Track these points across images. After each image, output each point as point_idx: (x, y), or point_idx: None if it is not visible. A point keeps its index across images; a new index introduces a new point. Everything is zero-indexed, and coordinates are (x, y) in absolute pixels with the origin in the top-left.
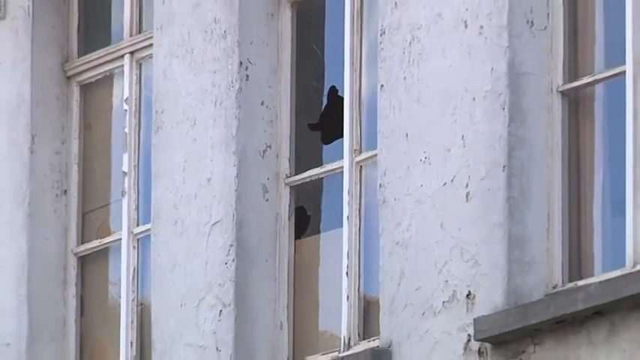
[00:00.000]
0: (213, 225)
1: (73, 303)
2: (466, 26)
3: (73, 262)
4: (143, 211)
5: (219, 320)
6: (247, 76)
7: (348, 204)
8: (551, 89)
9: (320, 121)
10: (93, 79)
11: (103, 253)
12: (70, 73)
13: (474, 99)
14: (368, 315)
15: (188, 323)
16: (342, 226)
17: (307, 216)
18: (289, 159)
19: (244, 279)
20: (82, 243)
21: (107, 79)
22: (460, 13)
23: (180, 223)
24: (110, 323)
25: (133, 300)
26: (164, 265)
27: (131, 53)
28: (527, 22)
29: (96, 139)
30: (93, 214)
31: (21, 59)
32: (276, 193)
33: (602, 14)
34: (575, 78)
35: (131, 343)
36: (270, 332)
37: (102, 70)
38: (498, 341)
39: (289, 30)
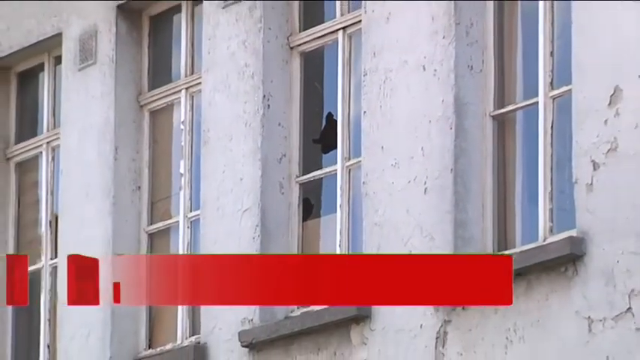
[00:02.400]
0: (244, 211)
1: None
2: (424, 69)
3: (144, 238)
4: (194, 201)
5: None
6: (269, 105)
7: (341, 196)
8: (485, 114)
9: (320, 137)
10: (159, 107)
11: (166, 232)
12: (142, 103)
13: (430, 121)
14: None
15: None
16: (336, 212)
17: (311, 205)
18: (299, 164)
19: (266, 250)
20: (151, 224)
21: (169, 107)
22: (420, 60)
23: (221, 210)
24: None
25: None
26: (209, 240)
27: (186, 88)
28: (468, 66)
29: (161, 149)
30: (159, 203)
31: (107, 93)
32: (289, 188)
33: (522, 61)
34: (502, 106)
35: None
36: None
37: (165, 101)
38: None
39: (298, 72)
